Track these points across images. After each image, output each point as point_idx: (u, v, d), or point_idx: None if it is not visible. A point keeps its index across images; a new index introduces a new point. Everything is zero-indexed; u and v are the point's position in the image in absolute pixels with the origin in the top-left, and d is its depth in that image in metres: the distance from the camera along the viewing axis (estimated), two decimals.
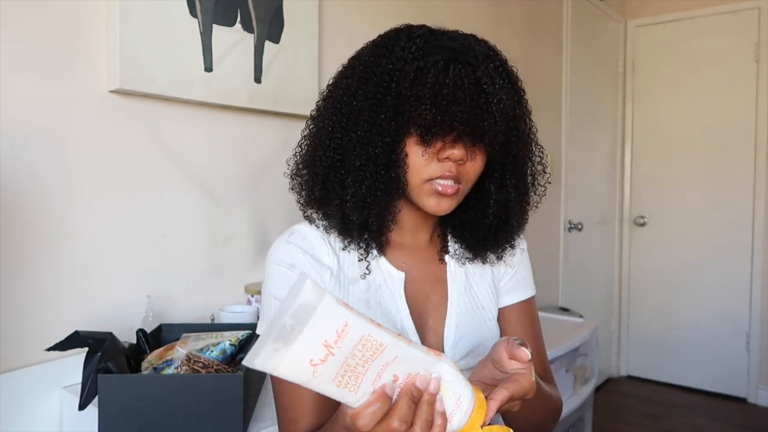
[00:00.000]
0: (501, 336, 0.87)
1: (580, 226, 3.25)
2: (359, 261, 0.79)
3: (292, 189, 0.81)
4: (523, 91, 0.77)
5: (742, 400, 3.33)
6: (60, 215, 1.19)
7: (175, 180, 1.40)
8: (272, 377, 0.78)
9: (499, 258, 0.85)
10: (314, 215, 0.79)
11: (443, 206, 0.73)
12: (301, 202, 0.80)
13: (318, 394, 0.70)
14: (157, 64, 1.29)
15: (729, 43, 3.35)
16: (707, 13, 3.41)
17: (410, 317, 0.79)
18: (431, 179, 0.71)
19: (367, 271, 0.79)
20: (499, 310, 0.89)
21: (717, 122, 3.40)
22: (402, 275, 0.80)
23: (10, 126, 1.11)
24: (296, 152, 0.81)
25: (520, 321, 0.90)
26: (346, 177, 0.72)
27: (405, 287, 0.80)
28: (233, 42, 1.45)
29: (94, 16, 1.22)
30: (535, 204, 0.84)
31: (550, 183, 0.84)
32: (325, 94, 0.79)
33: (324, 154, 0.74)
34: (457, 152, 0.69)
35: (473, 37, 0.74)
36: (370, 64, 0.73)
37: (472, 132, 0.68)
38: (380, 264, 0.80)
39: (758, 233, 3.28)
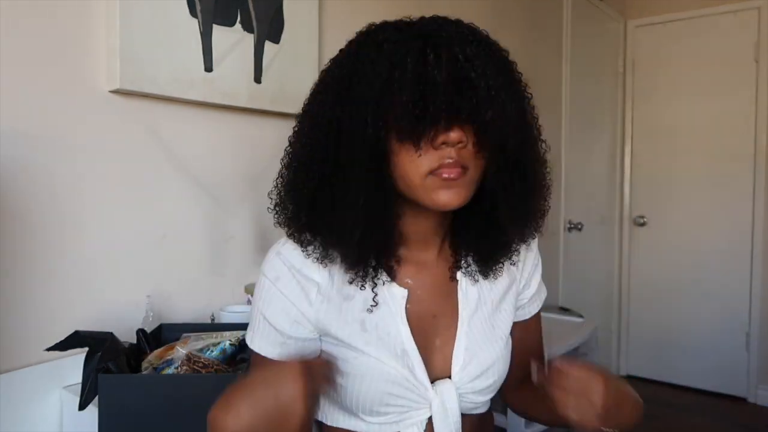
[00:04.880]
0: (511, 355, 0.85)
1: (580, 226, 3.25)
2: (350, 282, 0.73)
3: (278, 223, 0.75)
4: (517, 73, 0.71)
5: (741, 400, 3.33)
6: (59, 215, 1.19)
7: (175, 180, 1.40)
8: (251, 368, 0.77)
9: (512, 262, 0.80)
10: (310, 248, 0.73)
11: (455, 198, 0.66)
12: (292, 233, 0.74)
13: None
14: (157, 64, 1.28)
15: (729, 42, 3.35)
16: (707, 13, 3.41)
17: (412, 338, 0.74)
18: (432, 171, 0.64)
19: (362, 290, 0.73)
20: (519, 322, 0.87)
21: (717, 122, 3.40)
22: (404, 293, 0.75)
23: (10, 126, 1.11)
24: (278, 183, 0.76)
25: (537, 328, 0.91)
26: (336, 194, 0.67)
27: (408, 306, 0.75)
28: (233, 42, 1.45)
29: (94, 16, 1.22)
30: (547, 196, 0.76)
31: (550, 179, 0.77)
32: (300, 115, 0.75)
33: (306, 176, 0.69)
34: (453, 134, 0.63)
35: (450, 21, 0.69)
36: (342, 75, 0.69)
37: (458, 111, 0.62)
38: (382, 280, 0.74)
39: (758, 233, 3.28)
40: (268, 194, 0.77)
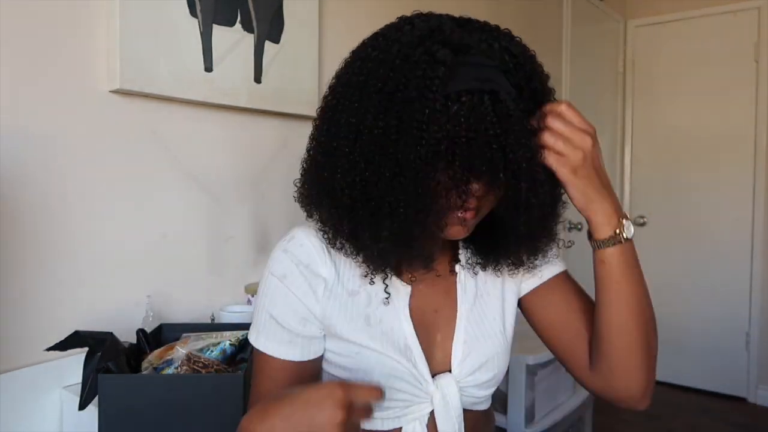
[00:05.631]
0: (511, 349, 0.83)
1: (580, 226, 3.25)
2: (364, 276, 0.73)
3: (314, 219, 0.72)
4: (550, 88, 0.74)
5: (741, 400, 3.33)
6: (60, 215, 1.19)
7: (175, 180, 1.40)
8: (255, 366, 0.76)
9: (512, 271, 0.77)
10: (341, 243, 0.70)
11: (464, 232, 0.68)
12: (328, 236, 0.71)
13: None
14: (157, 64, 1.29)
15: (729, 43, 3.35)
16: (707, 13, 3.41)
17: (414, 334, 0.75)
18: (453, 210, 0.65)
19: (371, 285, 0.74)
20: (530, 294, 0.83)
21: (717, 122, 3.40)
22: (408, 289, 0.76)
23: (10, 126, 1.11)
24: (303, 170, 0.72)
25: (569, 296, 0.82)
26: (378, 213, 0.64)
27: (411, 301, 0.76)
28: (233, 42, 1.45)
29: (94, 16, 1.22)
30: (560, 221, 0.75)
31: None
32: (327, 105, 0.69)
33: (344, 185, 0.65)
34: (477, 187, 0.63)
35: (498, 46, 0.66)
36: (386, 83, 0.62)
37: (496, 174, 0.61)
38: (388, 275, 0.74)
39: (758, 232, 3.28)
40: (294, 182, 0.74)
